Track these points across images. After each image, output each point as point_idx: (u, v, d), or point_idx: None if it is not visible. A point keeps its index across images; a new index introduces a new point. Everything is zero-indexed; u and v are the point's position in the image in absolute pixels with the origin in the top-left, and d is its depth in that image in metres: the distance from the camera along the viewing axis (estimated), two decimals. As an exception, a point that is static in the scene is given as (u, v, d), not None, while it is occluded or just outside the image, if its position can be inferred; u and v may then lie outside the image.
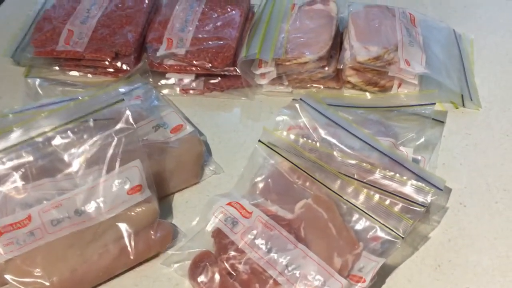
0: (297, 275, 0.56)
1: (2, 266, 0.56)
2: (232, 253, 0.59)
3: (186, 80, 0.84)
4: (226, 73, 0.82)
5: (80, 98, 0.68)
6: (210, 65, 0.81)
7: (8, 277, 0.56)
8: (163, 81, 0.84)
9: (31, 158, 0.60)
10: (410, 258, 0.63)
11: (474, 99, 0.83)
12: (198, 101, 0.84)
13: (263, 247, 0.58)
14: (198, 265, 0.60)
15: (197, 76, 0.84)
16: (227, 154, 0.76)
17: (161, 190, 0.67)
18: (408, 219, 0.58)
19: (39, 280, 0.57)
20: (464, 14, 1.01)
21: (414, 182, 0.61)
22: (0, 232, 0.57)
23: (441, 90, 0.81)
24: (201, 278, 0.59)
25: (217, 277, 0.58)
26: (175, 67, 0.83)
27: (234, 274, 0.58)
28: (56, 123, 0.62)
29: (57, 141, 0.61)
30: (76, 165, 0.62)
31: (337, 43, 0.86)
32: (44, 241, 0.58)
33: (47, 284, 0.57)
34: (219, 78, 0.84)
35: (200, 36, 0.84)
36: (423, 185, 0.61)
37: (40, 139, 0.61)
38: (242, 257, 0.58)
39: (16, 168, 0.60)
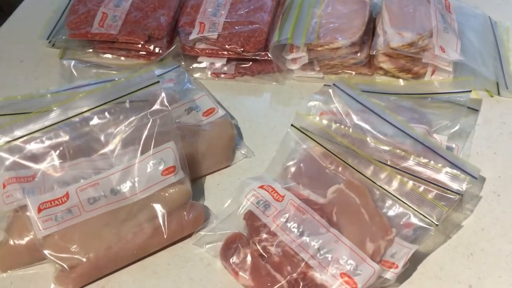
0: (329, 259, 0.56)
1: (40, 242, 0.58)
2: (264, 235, 0.59)
3: (218, 64, 0.84)
4: (257, 57, 0.82)
5: (116, 80, 0.69)
6: (241, 49, 0.81)
7: (46, 252, 0.58)
8: (195, 65, 0.85)
9: (69, 138, 0.62)
10: (442, 246, 0.62)
11: (509, 87, 0.81)
12: (229, 85, 0.85)
13: (295, 230, 0.59)
14: (230, 246, 0.60)
15: (229, 60, 0.84)
16: (257, 138, 0.76)
17: (193, 173, 0.68)
18: (443, 207, 0.57)
19: (76, 256, 0.58)
20: (499, 1, 0.98)
21: (448, 169, 0.61)
22: (39, 208, 0.58)
23: (476, 77, 0.80)
24: (233, 259, 0.59)
25: (249, 258, 0.59)
26: (207, 51, 0.83)
27: (266, 256, 0.59)
28: (93, 104, 0.63)
29: (94, 121, 0.63)
30: (112, 145, 0.63)
31: (370, 29, 0.85)
32: (81, 219, 0.59)
33: (84, 260, 0.58)
34: (250, 63, 0.84)
35: (232, 20, 0.84)
36: (458, 172, 0.60)
37: (77, 119, 0.63)
38: (274, 240, 0.59)
39: (54, 147, 0.61)
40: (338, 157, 0.64)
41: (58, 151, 0.61)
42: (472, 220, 0.65)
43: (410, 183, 0.60)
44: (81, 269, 0.58)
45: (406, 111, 0.73)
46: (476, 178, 0.62)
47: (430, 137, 0.68)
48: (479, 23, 0.90)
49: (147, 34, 0.83)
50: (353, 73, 0.84)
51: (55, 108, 0.62)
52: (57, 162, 0.61)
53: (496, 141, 0.74)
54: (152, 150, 0.62)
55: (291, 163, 0.66)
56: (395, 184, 0.60)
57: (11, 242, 0.59)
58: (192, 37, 0.82)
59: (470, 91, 0.74)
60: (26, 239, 0.59)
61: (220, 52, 0.83)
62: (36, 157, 0.61)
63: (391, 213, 0.60)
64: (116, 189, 0.61)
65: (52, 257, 0.58)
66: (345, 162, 0.63)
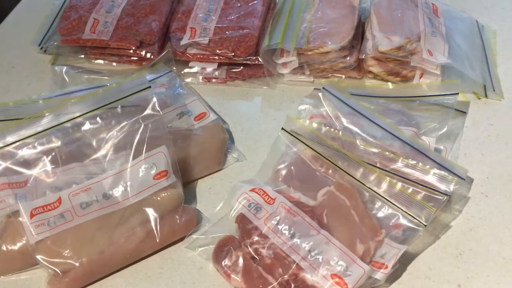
0: (320, 260, 0.57)
1: (33, 247, 0.58)
2: (256, 238, 0.60)
3: (209, 69, 0.85)
4: (248, 62, 0.83)
5: (107, 85, 0.69)
6: (232, 54, 0.82)
7: (39, 257, 0.58)
8: (186, 70, 0.86)
9: (61, 143, 0.62)
10: (431, 246, 0.63)
11: (496, 90, 0.82)
12: (221, 89, 0.85)
13: (286, 232, 0.59)
14: (222, 249, 0.61)
15: (220, 65, 0.85)
16: (248, 142, 0.77)
17: (185, 177, 0.68)
18: (431, 207, 0.58)
19: (68, 261, 0.58)
20: (487, 5, 1.00)
21: (436, 170, 0.62)
22: (31, 214, 0.59)
23: (464, 80, 0.81)
24: (225, 262, 0.60)
25: (241, 261, 0.59)
26: (198, 56, 0.84)
27: (258, 258, 0.59)
28: (85, 109, 0.63)
29: (86, 126, 0.63)
30: (104, 150, 0.63)
31: (359, 33, 0.86)
32: (73, 223, 0.59)
33: (77, 264, 0.58)
34: (241, 67, 0.85)
35: (223, 25, 0.85)
36: (446, 174, 0.61)
37: (69, 124, 0.63)
38: (265, 242, 0.60)
39: (46, 153, 0.62)
40: (328, 160, 0.64)
41: (50, 157, 0.61)
42: (460, 220, 0.66)
43: (399, 184, 0.61)
44: (74, 273, 0.59)
45: (395, 114, 0.74)
46: (464, 179, 0.63)
47: (419, 139, 0.69)
48: (467, 27, 0.92)
49: (138, 40, 0.84)
50: (343, 76, 0.85)
51: (47, 114, 0.62)
52: (49, 167, 0.61)
53: (483, 143, 0.76)
54: (144, 155, 0.63)
55: (282, 166, 0.67)
56: (384, 185, 0.61)
57: (4, 248, 0.60)
58: (183, 42, 0.83)
59: (458, 93, 0.75)
60: (19, 244, 0.60)
61: (211, 57, 0.84)
62: (28, 163, 0.61)
63: (380, 214, 0.61)
64: (108, 193, 0.62)
65: (44, 262, 0.58)
66: (335, 164, 0.64)
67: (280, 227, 0.60)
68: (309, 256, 0.57)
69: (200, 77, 0.86)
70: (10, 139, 0.61)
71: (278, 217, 0.61)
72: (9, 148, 0.61)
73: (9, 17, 1.01)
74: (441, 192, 0.60)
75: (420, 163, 0.63)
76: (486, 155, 0.74)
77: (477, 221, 0.66)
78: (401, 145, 0.66)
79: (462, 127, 0.77)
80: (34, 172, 0.61)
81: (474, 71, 0.83)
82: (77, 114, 0.63)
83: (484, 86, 0.83)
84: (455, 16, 0.92)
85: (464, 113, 0.79)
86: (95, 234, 0.60)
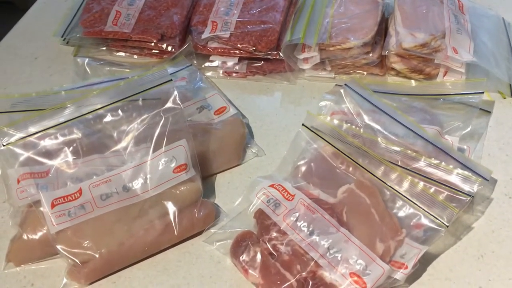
0: (339, 258, 0.56)
1: (53, 237, 0.59)
2: (274, 234, 0.60)
3: (230, 63, 0.84)
4: (269, 57, 0.83)
5: (129, 78, 0.70)
6: (253, 48, 0.81)
7: (59, 247, 0.59)
8: (207, 64, 0.85)
9: (82, 135, 0.63)
10: (452, 247, 0.62)
11: (523, 90, 0.81)
12: (241, 84, 0.85)
13: (305, 229, 0.59)
14: (240, 244, 0.61)
15: (241, 59, 0.84)
16: (268, 137, 0.77)
17: (204, 171, 0.68)
18: (454, 208, 0.57)
19: (88, 252, 0.59)
20: (514, 2, 0.98)
21: (460, 171, 0.60)
22: (52, 204, 0.59)
23: (489, 79, 0.79)
24: (243, 257, 0.60)
25: (258, 256, 0.59)
26: (219, 50, 0.84)
27: (276, 254, 0.59)
28: (107, 101, 0.63)
29: (107, 118, 0.63)
30: (124, 142, 0.64)
31: (382, 29, 0.85)
32: (93, 215, 0.60)
33: (96, 255, 0.59)
34: (262, 62, 0.85)
35: (244, 19, 0.84)
36: (469, 174, 0.60)
37: (91, 116, 0.63)
38: (284, 238, 0.59)
39: (68, 144, 0.62)
40: (349, 157, 0.64)
41: (71, 148, 0.62)
42: (483, 222, 0.65)
43: (421, 184, 0.60)
44: (93, 264, 0.59)
45: (418, 112, 0.72)
46: (488, 180, 0.62)
47: (442, 138, 0.68)
48: (492, 24, 0.90)
49: (160, 33, 0.84)
50: (365, 73, 0.84)
51: (69, 105, 0.62)
52: (70, 158, 0.62)
53: (508, 143, 0.74)
54: (164, 148, 0.63)
55: (301, 162, 0.67)
56: (405, 184, 0.60)
57: (25, 237, 0.60)
58: (204, 36, 0.83)
59: (483, 92, 0.73)
60: (39, 234, 0.60)
61: (232, 51, 0.83)
62: (50, 153, 0.62)
63: (401, 213, 0.60)
64: (128, 186, 0.62)
65: (64, 252, 0.59)
66: (355, 162, 0.63)
67: (299, 223, 0.59)
68: (328, 254, 0.57)
69: (221, 71, 0.85)
70: (32, 129, 0.61)
71: (297, 214, 0.60)
72: (32, 138, 0.61)
73: (32, 9, 1.02)
74: (464, 193, 0.59)
75: (443, 163, 0.61)
76: (510, 156, 0.72)
77: (500, 222, 0.65)
78: (424, 144, 0.65)
79: (486, 126, 0.76)
80: (56, 162, 0.61)
81: (500, 70, 0.81)
82: (99, 106, 0.63)
83: (510, 85, 0.81)
84: (480, 13, 0.90)
85: (489, 112, 0.77)
86: (114, 226, 0.60)
